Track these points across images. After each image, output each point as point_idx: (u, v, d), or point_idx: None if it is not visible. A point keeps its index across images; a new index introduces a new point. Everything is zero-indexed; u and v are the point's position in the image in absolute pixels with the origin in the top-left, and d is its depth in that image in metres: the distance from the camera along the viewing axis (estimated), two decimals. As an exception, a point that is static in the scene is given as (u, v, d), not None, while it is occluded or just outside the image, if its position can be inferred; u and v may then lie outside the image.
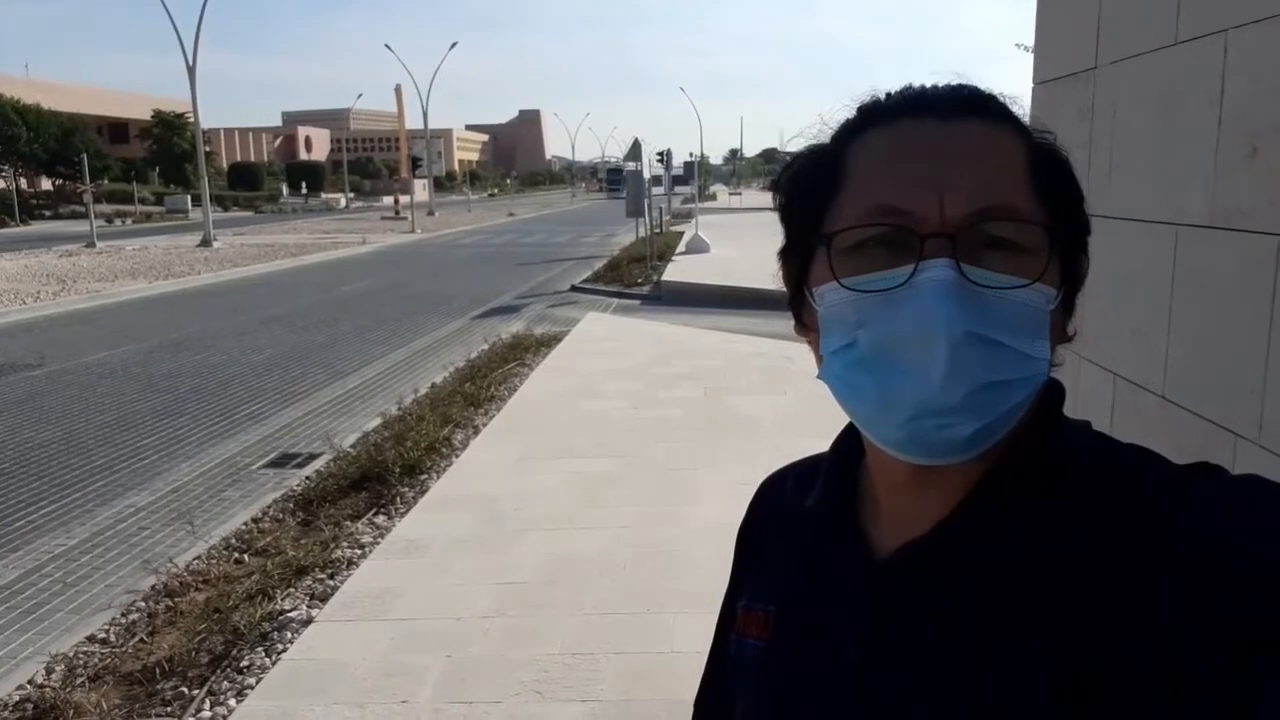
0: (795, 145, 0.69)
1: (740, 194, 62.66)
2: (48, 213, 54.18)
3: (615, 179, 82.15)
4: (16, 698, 3.46)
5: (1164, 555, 0.53)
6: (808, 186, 0.65)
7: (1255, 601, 0.49)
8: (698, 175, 49.90)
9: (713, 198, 62.97)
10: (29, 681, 3.58)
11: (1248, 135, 1.32)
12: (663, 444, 6.35)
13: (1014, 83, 0.65)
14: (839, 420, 0.71)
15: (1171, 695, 0.50)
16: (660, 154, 28.91)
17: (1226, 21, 1.34)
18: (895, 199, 0.58)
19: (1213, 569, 0.51)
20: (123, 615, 4.15)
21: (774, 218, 0.69)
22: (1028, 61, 2.19)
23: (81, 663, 3.72)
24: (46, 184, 62.87)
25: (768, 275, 0.73)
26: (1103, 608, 0.53)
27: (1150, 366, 1.61)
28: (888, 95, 0.64)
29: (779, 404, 7.37)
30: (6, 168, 54.45)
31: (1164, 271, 1.55)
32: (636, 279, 17.14)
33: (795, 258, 0.66)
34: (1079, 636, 0.53)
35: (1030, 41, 2.22)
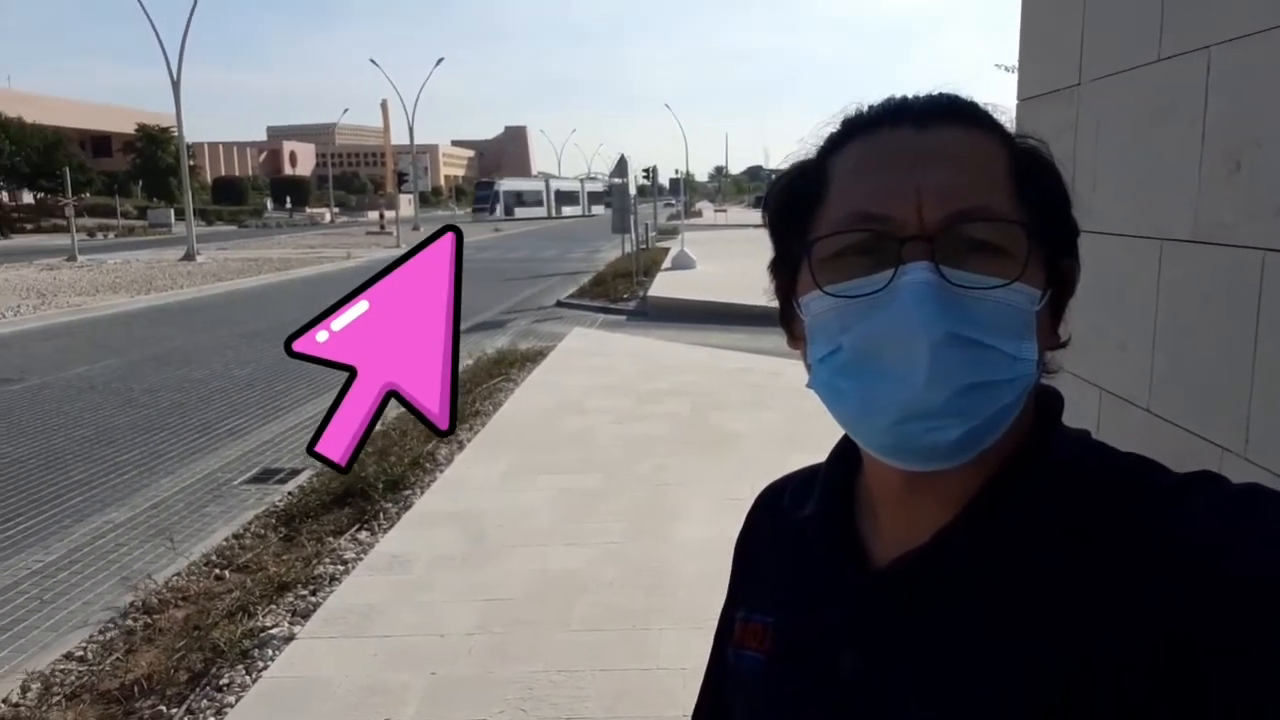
0: (780, 163, 0.70)
1: (725, 210, 62.99)
2: (29, 226, 53.82)
3: (483, 194, 75.70)
4: (-9, 717, 3.40)
5: (1160, 561, 0.53)
6: (793, 199, 0.66)
7: (1252, 605, 0.48)
8: (684, 192, 50.23)
9: (698, 214, 63.25)
10: (4, 700, 3.52)
11: (1230, 150, 1.33)
12: (649, 460, 6.33)
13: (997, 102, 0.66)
14: (827, 434, 0.71)
15: (1172, 698, 0.50)
16: (646, 171, 29.05)
17: (1209, 38, 1.36)
18: (873, 205, 0.59)
19: (1210, 574, 0.51)
20: (100, 633, 4.09)
21: (760, 234, 0.69)
22: (1009, 82, 2.21)
23: (58, 681, 3.66)
24: (28, 197, 62.44)
25: (754, 291, 0.73)
26: (1101, 614, 0.53)
27: (1135, 380, 1.62)
28: (869, 107, 0.65)
29: (766, 419, 7.36)
30: (-12, 181, 54.13)
31: (1148, 286, 1.56)
32: (622, 294, 17.14)
33: (784, 270, 0.67)
34: (1077, 642, 0.53)
35: (1009, 63, 2.24)
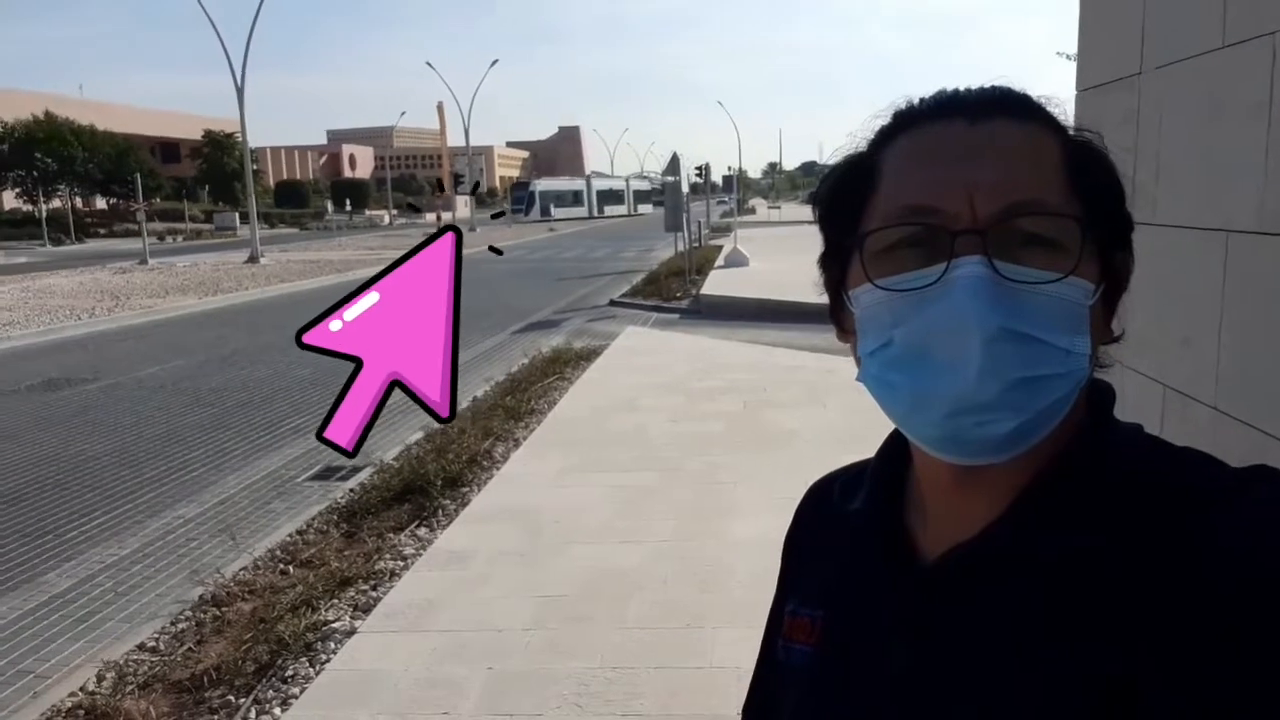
0: (832, 156, 0.70)
1: (779, 207, 62.46)
2: (102, 231, 55.80)
3: (519, 195, 73.64)
4: (69, 704, 3.54)
5: (1213, 556, 0.52)
6: (844, 192, 0.66)
7: None
8: (736, 189, 50.00)
9: (751, 211, 62.88)
10: (81, 688, 3.66)
11: (1299, 139, 1.29)
12: (703, 457, 6.33)
13: (1058, 90, 0.65)
14: (881, 431, 0.71)
15: (1223, 695, 0.49)
16: (699, 168, 28.98)
17: (1274, 24, 1.32)
18: (925, 198, 0.59)
19: (1263, 571, 0.50)
20: (172, 624, 4.22)
21: (813, 231, 0.70)
22: (1070, 70, 2.17)
23: (132, 670, 3.79)
24: (101, 203, 64.83)
25: (808, 288, 0.74)
26: (1153, 608, 0.53)
27: (1200, 376, 1.58)
28: (921, 100, 0.65)
29: (820, 416, 7.31)
30: (63, 187, 56.26)
31: (1213, 279, 1.52)
32: (675, 293, 17.12)
33: (834, 264, 0.67)
34: (1127, 636, 0.53)
35: (1070, 50, 2.20)
